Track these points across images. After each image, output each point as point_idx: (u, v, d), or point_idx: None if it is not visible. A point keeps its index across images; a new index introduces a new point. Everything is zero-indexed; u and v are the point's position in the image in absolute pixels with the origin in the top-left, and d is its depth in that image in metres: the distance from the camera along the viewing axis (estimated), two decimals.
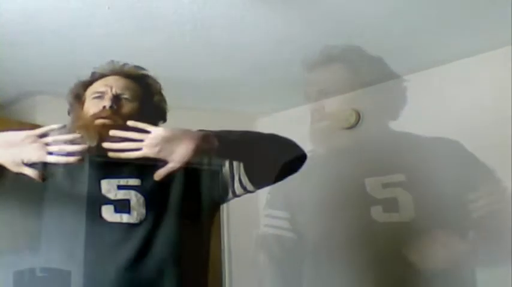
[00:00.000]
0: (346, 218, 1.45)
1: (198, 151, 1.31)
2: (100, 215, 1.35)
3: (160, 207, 1.39)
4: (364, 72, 1.56)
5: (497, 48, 2.53)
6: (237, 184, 1.52)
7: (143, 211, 1.37)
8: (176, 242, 1.40)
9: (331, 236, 1.47)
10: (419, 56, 2.63)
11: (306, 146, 1.62)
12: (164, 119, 1.57)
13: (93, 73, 1.57)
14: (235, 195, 1.55)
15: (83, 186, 1.39)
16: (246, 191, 1.54)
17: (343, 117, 2.60)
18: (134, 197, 1.37)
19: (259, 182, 1.54)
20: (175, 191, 1.43)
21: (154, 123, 1.45)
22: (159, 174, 1.29)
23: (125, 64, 1.58)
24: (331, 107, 1.74)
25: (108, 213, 1.35)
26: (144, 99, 1.50)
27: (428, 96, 2.74)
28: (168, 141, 1.29)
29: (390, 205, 1.46)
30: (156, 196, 1.39)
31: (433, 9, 2.15)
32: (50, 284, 1.32)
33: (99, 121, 1.40)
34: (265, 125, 3.65)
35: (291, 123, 3.39)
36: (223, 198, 1.55)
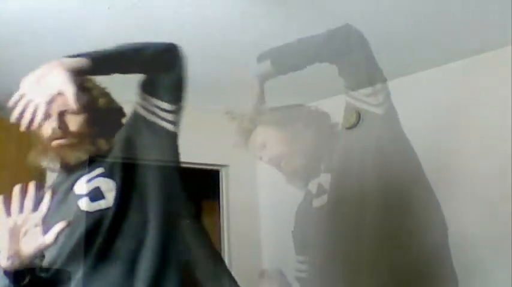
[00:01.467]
0: None
1: (70, 72, 1.27)
2: (81, 210, 1.36)
3: (130, 185, 1.39)
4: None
5: (497, 48, 2.53)
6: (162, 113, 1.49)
7: (114, 192, 1.37)
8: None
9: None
10: (420, 56, 2.63)
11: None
12: (123, 115, 1.55)
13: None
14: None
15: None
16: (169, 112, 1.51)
17: (343, 117, 2.60)
18: (103, 183, 1.38)
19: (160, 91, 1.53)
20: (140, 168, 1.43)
21: (117, 125, 1.49)
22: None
23: None
24: (331, 107, 1.73)
25: (86, 205, 1.36)
26: (90, 106, 1.47)
27: (428, 96, 2.74)
28: (37, 83, 1.30)
29: None
30: (123, 177, 1.39)
31: (433, 9, 2.16)
32: (50, 284, 1.32)
33: (55, 143, 1.41)
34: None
35: None
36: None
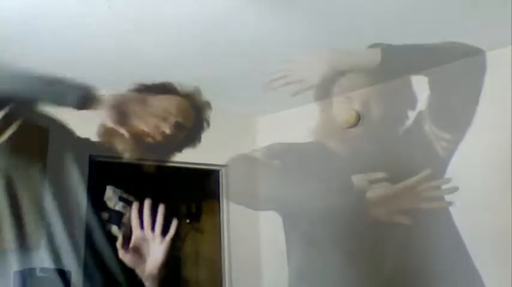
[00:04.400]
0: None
1: None
2: (100, 220, 1.36)
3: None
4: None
5: (497, 48, 2.53)
6: None
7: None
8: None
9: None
10: (420, 56, 2.63)
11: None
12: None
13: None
14: None
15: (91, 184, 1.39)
16: None
17: (343, 117, 2.60)
18: (128, 213, 1.38)
19: None
20: None
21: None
22: None
23: (168, 82, 1.59)
24: (331, 107, 1.73)
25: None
26: (196, 118, 1.58)
27: (429, 96, 2.74)
28: None
29: None
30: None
31: (433, 9, 2.16)
32: (50, 284, 1.32)
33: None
34: (265, 125, 3.65)
35: (290, 123, 3.40)
36: None
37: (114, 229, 1.37)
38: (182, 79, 3.01)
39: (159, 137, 1.42)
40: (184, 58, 2.58)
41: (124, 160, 1.42)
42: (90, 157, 1.41)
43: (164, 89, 1.55)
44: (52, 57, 2.45)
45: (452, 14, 2.19)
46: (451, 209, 1.60)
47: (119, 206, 1.38)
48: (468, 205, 2.52)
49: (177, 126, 1.46)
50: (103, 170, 1.42)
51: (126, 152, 1.42)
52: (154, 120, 1.34)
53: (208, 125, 1.62)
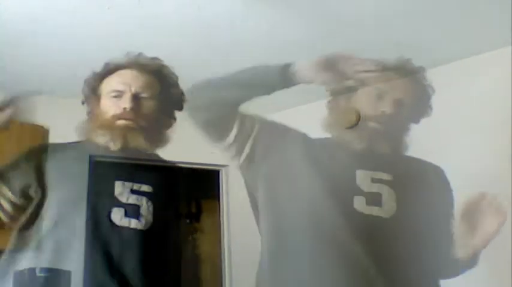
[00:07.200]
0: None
1: None
2: (109, 217, 1.35)
3: (168, 216, 1.39)
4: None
5: (497, 48, 2.53)
6: None
7: (151, 218, 1.36)
8: (180, 251, 1.41)
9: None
10: (420, 56, 2.63)
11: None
12: (180, 108, 1.53)
13: (106, 64, 1.52)
14: None
15: (93, 184, 1.38)
16: None
17: (343, 117, 2.60)
18: (145, 204, 1.36)
19: None
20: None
21: (171, 114, 1.47)
22: None
23: (139, 55, 1.52)
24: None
25: (117, 216, 1.35)
26: (162, 94, 1.47)
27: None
28: None
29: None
30: (165, 204, 1.39)
31: (433, 9, 2.16)
32: (50, 284, 1.32)
33: (121, 122, 1.39)
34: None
35: (290, 123, 3.39)
36: None
37: (134, 222, 1.35)
38: (182, 79, 3.01)
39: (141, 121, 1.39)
40: (184, 58, 2.58)
41: (124, 160, 1.42)
42: (90, 157, 1.40)
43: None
44: (52, 57, 2.45)
45: (453, 14, 2.19)
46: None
47: (132, 199, 1.37)
48: None
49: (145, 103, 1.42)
50: (103, 170, 1.42)
51: (110, 143, 1.39)
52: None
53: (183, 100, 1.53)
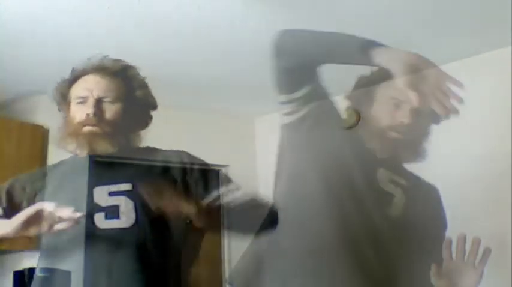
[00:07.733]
0: None
1: None
2: (93, 223, 1.35)
3: (151, 211, 1.38)
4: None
5: (497, 48, 2.53)
6: None
7: (133, 215, 1.36)
8: (167, 245, 1.41)
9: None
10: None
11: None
12: (154, 108, 1.51)
13: (73, 70, 1.53)
14: None
15: (77, 195, 1.38)
16: None
17: (343, 117, 2.59)
18: (123, 203, 1.36)
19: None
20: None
21: (144, 117, 1.46)
22: None
23: (103, 58, 1.51)
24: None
25: (99, 220, 1.35)
26: (127, 96, 1.45)
27: None
28: None
29: None
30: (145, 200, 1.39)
31: (434, 9, 2.16)
32: (50, 284, 1.32)
33: (86, 129, 1.39)
34: (264, 125, 3.65)
35: None
36: None
37: (116, 222, 1.36)
38: (182, 79, 3.03)
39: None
40: (184, 58, 2.58)
41: (124, 160, 1.42)
42: (90, 157, 1.40)
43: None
44: (52, 57, 2.45)
45: (453, 14, 2.19)
46: (452, 214, 1.61)
47: (111, 201, 1.37)
48: (467, 211, 2.51)
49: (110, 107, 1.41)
50: (103, 170, 1.42)
51: (77, 151, 1.40)
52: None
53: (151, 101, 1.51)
